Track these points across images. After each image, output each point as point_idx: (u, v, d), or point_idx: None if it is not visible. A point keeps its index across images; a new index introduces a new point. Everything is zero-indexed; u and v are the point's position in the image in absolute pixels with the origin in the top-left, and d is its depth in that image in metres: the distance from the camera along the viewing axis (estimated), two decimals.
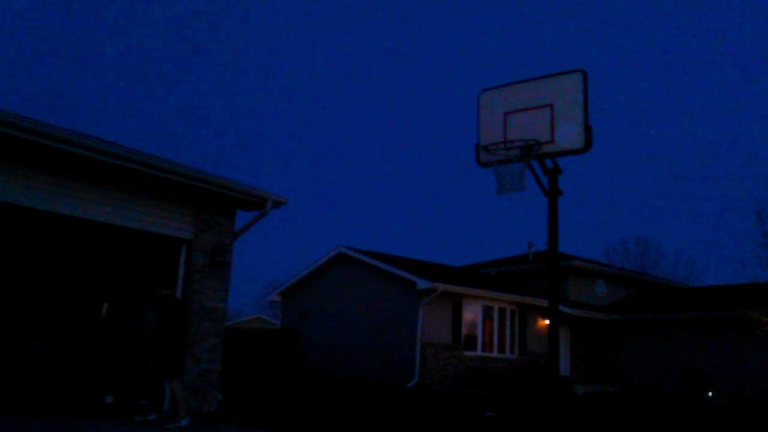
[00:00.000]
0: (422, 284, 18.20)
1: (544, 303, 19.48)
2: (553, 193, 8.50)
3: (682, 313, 21.90)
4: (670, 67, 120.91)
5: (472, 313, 19.74)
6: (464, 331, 19.43)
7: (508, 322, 20.75)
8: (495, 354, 20.18)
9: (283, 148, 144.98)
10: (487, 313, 20.19)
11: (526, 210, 76.71)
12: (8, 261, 11.59)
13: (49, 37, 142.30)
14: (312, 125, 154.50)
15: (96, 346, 10.74)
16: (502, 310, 20.59)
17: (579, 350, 22.87)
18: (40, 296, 11.93)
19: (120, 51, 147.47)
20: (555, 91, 8.29)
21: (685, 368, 20.96)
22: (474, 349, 19.61)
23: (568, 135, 8.09)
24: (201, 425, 8.07)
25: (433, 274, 19.59)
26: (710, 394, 19.98)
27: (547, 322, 20.78)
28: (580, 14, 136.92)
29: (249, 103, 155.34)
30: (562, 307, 20.40)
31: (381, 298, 19.82)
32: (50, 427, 7.05)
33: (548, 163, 8.53)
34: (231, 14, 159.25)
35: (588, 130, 8.01)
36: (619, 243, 53.20)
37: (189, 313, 9.45)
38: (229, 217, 10.18)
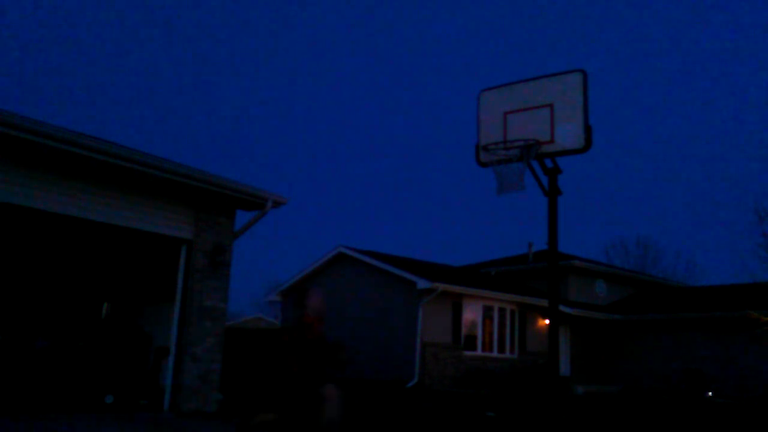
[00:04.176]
0: (422, 284, 18.20)
1: (544, 303, 19.48)
2: (553, 193, 8.49)
3: (682, 312, 21.90)
4: (670, 66, 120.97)
5: (472, 313, 19.74)
6: (464, 331, 19.42)
7: (508, 322, 20.75)
8: (495, 354, 20.18)
9: (283, 147, 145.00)
10: (487, 313, 20.19)
11: (526, 210, 76.61)
12: (8, 261, 11.60)
13: (47, 36, 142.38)
14: (312, 125, 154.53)
15: (96, 346, 10.74)
16: (502, 310, 20.59)
17: (579, 350, 22.86)
18: (40, 296, 11.94)
19: (120, 51, 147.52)
20: (555, 91, 8.28)
21: (685, 368, 20.97)
22: (474, 349, 19.61)
23: (568, 135, 8.08)
24: (201, 425, 8.07)
25: (433, 274, 19.59)
26: (710, 393, 19.99)
27: (547, 322, 20.79)
28: (580, 14, 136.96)
29: (249, 102, 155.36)
30: (562, 307, 20.39)
31: (381, 297, 19.82)
32: (50, 427, 7.05)
33: (548, 163, 8.52)
34: (231, 14, 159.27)
35: (588, 129, 8.00)
36: (619, 243, 53.11)
37: (190, 314, 9.45)
38: (229, 217, 10.19)
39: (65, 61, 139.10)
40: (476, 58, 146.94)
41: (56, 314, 11.81)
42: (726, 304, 21.56)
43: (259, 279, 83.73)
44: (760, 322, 17.30)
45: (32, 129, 7.43)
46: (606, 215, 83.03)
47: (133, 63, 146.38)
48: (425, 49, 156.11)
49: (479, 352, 19.72)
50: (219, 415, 9.08)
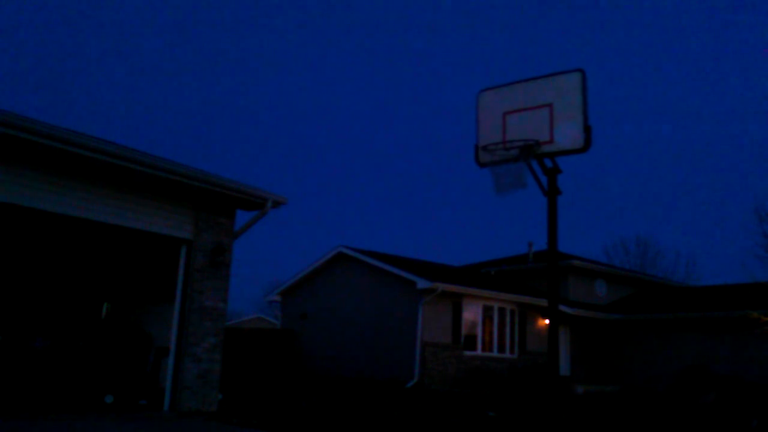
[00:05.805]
0: (422, 284, 18.21)
1: (544, 303, 19.49)
2: (552, 193, 8.50)
3: (682, 312, 21.90)
4: (670, 66, 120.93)
5: (472, 313, 19.74)
6: (464, 331, 19.43)
7: (508, 322, 20.75)
8: (495, 354, 20.19)
9: (283, 147, 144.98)
10: (487, 312, 20.20)
11: (526, 210, 76.57)
12: (9, 261, 11.61)
13: (47, 36, 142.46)
14: (312, 125, 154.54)
15: (96, 346, 10.76)
16: (502, 310, 20.60)
17: (579, 350, 22.87)
18: (40, 296, 11.95)
19: (121, 50, 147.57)
20: (554, 91, 8.28)
21: (685, 367, 20.94)
22: (474, 349, 19.62)
23: (568, 135, 8.09)
24: (201, 425, 8.08)
25: (433, 274, 19.60)
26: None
27: (547, 322, 20.79)
28: (580, 14, 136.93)
29: (249, 102, 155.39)
30: (562, 307, 20.41)
31: (381, 297, 19.83)
32: (50, 427, 7.06)
33: (548, 162, 8.53)
34: (231, 14, 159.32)
35: (587, 129, 8.00)
36: (619, 243, 53.05)
37: (190, 314, 9.45)
38: (229, 217, 10.20)
39: (64, 60, 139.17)
40: (476, 58, 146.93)
41: (56, 314, 11.82)
42: (726, 304, 21.56)
43: (259, 279, 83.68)
44: (760, 322, 17.28)
45: (33, 129, 7.44)
46: (606, 215, 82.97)
47: (133, 63, 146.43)
48: (425, 48, 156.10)
49: (479, 352, 19.73)
50: (219, 415, 9.09)
